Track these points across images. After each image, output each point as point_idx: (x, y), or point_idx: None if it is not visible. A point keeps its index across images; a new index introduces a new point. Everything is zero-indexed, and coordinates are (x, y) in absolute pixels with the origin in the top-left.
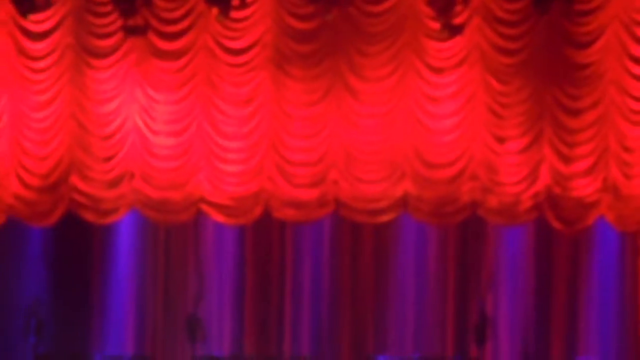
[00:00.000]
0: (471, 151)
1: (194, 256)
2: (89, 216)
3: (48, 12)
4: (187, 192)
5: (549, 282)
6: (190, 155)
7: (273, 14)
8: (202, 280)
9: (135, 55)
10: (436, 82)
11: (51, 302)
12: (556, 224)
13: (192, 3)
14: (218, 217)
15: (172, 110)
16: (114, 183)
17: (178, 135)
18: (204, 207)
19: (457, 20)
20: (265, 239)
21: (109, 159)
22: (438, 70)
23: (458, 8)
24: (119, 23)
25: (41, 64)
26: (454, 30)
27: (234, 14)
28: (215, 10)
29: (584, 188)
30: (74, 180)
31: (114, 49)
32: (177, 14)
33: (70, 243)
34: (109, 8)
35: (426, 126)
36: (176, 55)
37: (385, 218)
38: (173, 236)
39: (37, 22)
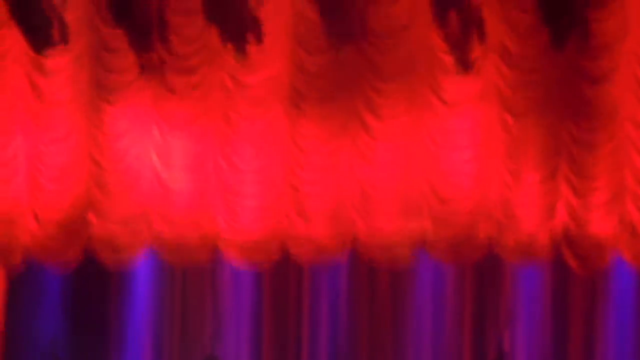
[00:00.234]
0: (487, 188)
1: (211, 297)
2: (105, 255)
3: (63, 49)
4: (203, 232)
5: (566, 318)
6: (205, 193)
7: (288, 50)
8: (220, 321)
9: (150, 92)
10: (451, 118)
11: (68, 344)
12: (573, 262)
13: (206, 39)
14: (235, 256)
15: (187, 146)
16: (129, 221)
17: (193, 172)
18: (221, 246)
19: (472, 56)
20: (283, 279)
21: (124, 196)
22: (453, 106)
23: (473, 43)
24: (134, 59)
25: (56, 101)
26: (468, 67)
27: (249, 50)
28: (230, 47)
29: (601, 225)
30: (90, 218)
31: (129, 85)
32: (192, 49)
33: (88, 285)
34: (124, 44)
35: (442, 163)
36: (191, 91)
37: (401, 257)
38: (190, 278)
39: (52, 58)
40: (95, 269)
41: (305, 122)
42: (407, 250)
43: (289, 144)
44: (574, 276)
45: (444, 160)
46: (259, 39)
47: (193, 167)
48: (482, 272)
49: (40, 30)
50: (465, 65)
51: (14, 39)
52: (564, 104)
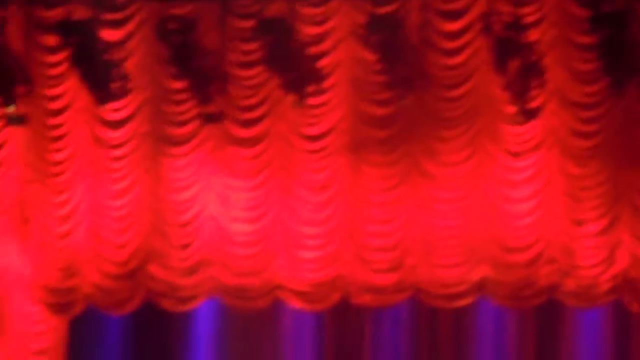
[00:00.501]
0: (548, 235)
1: (272, 343)
2: (167, 304)
3: (125, 101)
4: (265, 279)
5: None
6: (267, 242)
7: (349, 100)
8: None
9: (211, 143)
10: (513, 166)
11: None
12: (633, 307)
13: (267, 90)
14: (296, 304)
15: (248, 197)
16: (191, 271)
17: (255, 222)
18: (282, 294)
19: (533, 104)
20: (344, 325)
21: (186, 246)
22: (515, 155)
23: (534, 92)
24: (195, 111)
25: (118, 153)
26: (529, 115)
27: (310, 101)
28: (291, 97)
29: None
30: (152, 268)
31: (190, 137)
32: (253, 101)
33: (149, 331)
34: (185, 96)
35: (503, 211)
36: (252, 142)
37: (463, 302)
38: (251, 324)
39: (114, 110)
40: (156, 314)
41: (367, 170)
42: (468, 296)
43: (351, 193)
44: (636, 322)
45: (506, 208)
46: (320, 90)
47: (254, 218)
48: (544, 317)
49: (102, 82)
50: (525, 112)
51: (76, 91)
52: (624, 151)
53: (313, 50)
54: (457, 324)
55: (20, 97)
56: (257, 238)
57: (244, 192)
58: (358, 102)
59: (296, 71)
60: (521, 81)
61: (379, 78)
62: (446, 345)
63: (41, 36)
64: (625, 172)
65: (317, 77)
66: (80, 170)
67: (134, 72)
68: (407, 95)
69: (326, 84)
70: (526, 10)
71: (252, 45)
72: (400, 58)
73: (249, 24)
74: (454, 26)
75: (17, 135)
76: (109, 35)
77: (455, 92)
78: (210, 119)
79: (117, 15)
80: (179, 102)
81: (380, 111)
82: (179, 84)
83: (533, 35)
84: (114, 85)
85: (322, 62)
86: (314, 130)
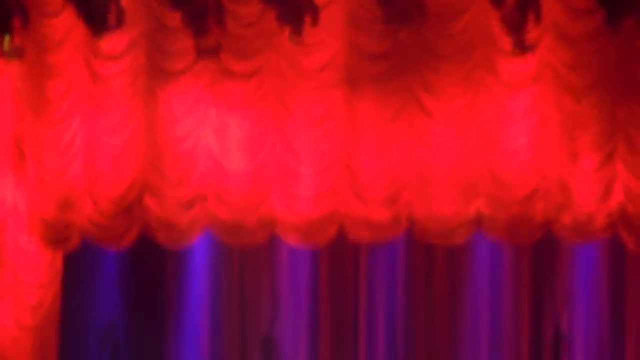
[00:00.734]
0: (545, 170)
1: (268, 278)
2: (162, 238)
3: (120, 34)
4: (261, 214)
5: (624, 299)
6: (263, 176)
7: (345, 33)
8: (277, 302)
9: (207, 77)
10: (509, 100)
11: (125, 326)
12: (629, 242)
13: (264, 23)
14: (292, 239)
15: (244, 131)
16: (187, 206)
17: (251, 157)
18: (278, 229)
19: (529, 38)
20: (339, 260)
21: (182, 180)
22: (511, 89)
23: (530, 26)
24: (192, 44)
25: (114, 86)
26: (526, 49)
27: (306, 34)
28: (287, 31)
29: None
30: (148, 202)
31: (185, 71)
32: (250, 34)
33: (144, 266)
34: (180, 29)
35: (499, 145)
36: (248, 76)
37: (458, 237)
38: (247, 258)
39: (109, 44)
40: (152, 249)
41: (362, 104)
42: (464, 231)
43: (346, 127)
44: (631, 256)
45: (501, 142)
46: (315, 22)
47: (250, 150)
48: (540, 252)
49: (97, 15)
50: (522, 46)
51: (71, 24)
52: (620, 85)
53: None
54: (452, 258)
55: (16, 31)
56: (253, 173)
57: (239, 126)
58: (354, 36)
59: (292, 4)
60: (517, 15)
61: (375, 12)
62: (441, 282)
63: None
64: (621, 107)
65: (312, 9)
66: (75, 104)
67: (130, 5)
68: (403, 30)
69: (322, 17)
70: None
71: None
72: None
73: None
74: None
75: (12, 69)
76: None
77: (452, 26)
78: (206, 52)
79: None
80: (174, 36)
81: (376, 45)
82: (174, 17)
83: None
84: (110, 19)
85: None
86: (309, 64)
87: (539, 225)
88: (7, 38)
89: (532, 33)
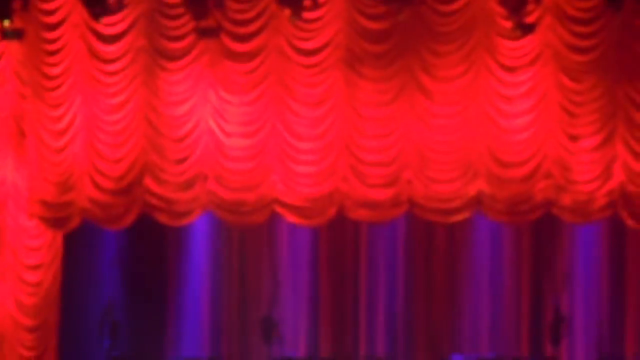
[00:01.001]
0: (544, 149)
1: (269, 257)
2: (163, 218)
3: (120, 15)
4: (261, 194)
5: (623, 279)
6: (263, 156)
7: (345, 14)
8: (277, 281)
9: (207, 57)
10: (509, 80)
11: (126, 304)
12: (630, 222)
13: (264, 4)
14: (292, 218)
15: (245, 111)
16: (187, 185)
17: (251, 137)
18: (278, 208)
19: (529, 19)
20: (340, 240)
21: (182, 161)
22: (511, 69)
23: (530, 6)
24: (191, 25)
25: (114, 67)
26: (526, 29)
27: (306, 15)
28: (287, 12)
29: None
30: (148, 182)
31: (186, 51)
32: (249, 15)
33: (145, 245)
34: (181, 10)
35: (499, 125)
36: (249, 56)
37: (458, 217)
38: (247, 238)
39: (109, 25)
40: (152, 229)
41: (362, 85)
42: (464, 211)
43: (347, 107)
44: (631, 235)
45: (502, 123)
46: (316, 4)
47: (250, 132)
48: (540, 232)
49: None
50: (522, 27)
51: (72, 6)
52: (620, 66)
53: None
54: (452, 238)
55: (17, 12)
56: (253, 152)
57: (239, 106)
58: (354, 16)
59: None
60: None
61: None
62: (442, 260)
63: None
64: (621, 87)
65: None
66: (76, 84)
67: None
68: (403, 10)
69: None
70: None
71: None
72: None
73: None
74: None
75: (12, 49)
76: None
77: (452, 6)
78: (206, 33)
79: None
80: (174, 17)
81: (376, 25)
82: None
83: None
84: (109, 1)
85: None
86: (309, 45)
87: (538, 204)
88: (7, 20)
89: (532, 13)
